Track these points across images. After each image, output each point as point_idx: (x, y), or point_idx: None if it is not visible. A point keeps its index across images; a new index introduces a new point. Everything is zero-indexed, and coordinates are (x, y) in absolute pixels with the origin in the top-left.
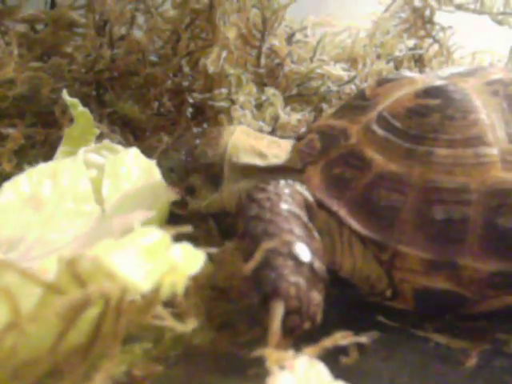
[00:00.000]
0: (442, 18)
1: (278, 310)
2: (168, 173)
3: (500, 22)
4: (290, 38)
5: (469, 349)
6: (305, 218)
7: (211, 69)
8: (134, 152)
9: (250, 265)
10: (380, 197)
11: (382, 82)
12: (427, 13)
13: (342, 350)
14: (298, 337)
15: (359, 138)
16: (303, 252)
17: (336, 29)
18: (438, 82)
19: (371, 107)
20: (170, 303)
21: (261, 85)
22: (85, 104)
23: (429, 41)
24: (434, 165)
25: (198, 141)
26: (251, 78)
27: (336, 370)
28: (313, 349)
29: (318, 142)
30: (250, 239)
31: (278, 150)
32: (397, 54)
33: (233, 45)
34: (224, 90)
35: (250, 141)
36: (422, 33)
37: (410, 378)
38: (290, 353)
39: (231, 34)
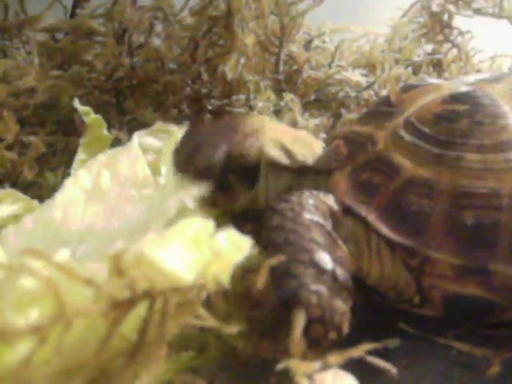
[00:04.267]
0: (460, 22)
1: (300, 319)
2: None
3: None
4: (307, 44)
5: (491, 357)
6: (328, 227)
7: (229, 75)
8: None
9: (270, 274)
10: (409, 202)
11: (407, 88)
12: (445, 17)
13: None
14: (325, 348)
15: (386, 143)
16: (325, 260)
17: (354, 34)
18: (465, 88)
19: (397, 113)
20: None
21: (279, 91)
22: (104, 111)
23: (447, 45)
24: (463, 170)
25: (233, 136)
26: (269, 85)
27: (358, 377)
28: (338, 358)
29: (344, 147)
30: (272, 249)
31: (304, 149)
32: (415, 59)
33: (251, 51)
34: (242, 97)
35: (279, 137)
36: (441, 37)
37: None
38: (318, 364)
39: (249, 40)
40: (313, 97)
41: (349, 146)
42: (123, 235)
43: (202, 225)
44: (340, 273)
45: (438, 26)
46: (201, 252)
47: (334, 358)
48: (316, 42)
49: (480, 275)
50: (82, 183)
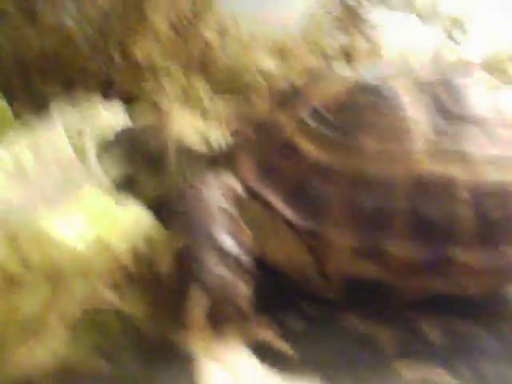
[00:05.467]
0: (374, 16)
1: (201, 301)
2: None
3: (427, 22)
4: (223, 31)
5: (390, 337)
6: (233, 211)
7: (141, 60)
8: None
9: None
10: (312, 186)
11: (315, 77)
12: (359, 11)
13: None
14: (228, 329)
15: (293, 130)
16: (228, 244)
17: (270, 24)
18: (370, 80)
19: (305, 101)
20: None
21: (192, 77)
22: (13, 97)
23: (360, 38)
24: (363, 157)
25: (138, 131)
26: (182, 70)
27: (260, 358)
28: (240, 339)
29: (253, 133)
30: (177, 233)
31: (217, 135)
32: (328, 50)
33: (164, 35)
34: (152, 82)
35: (190, 122)
36: (354, 30)
37: (335, 365)
38: (219, 344)
39: (162, 24)
40: (225, 83)
41: (257, 132)
42: None
43: (100, 198)
44: (243, 257)
45: (351, 19)
46: (97, 224)
47: (236, 338)
48: (231, 29)
49: (377, 257)
50: (2, 164)
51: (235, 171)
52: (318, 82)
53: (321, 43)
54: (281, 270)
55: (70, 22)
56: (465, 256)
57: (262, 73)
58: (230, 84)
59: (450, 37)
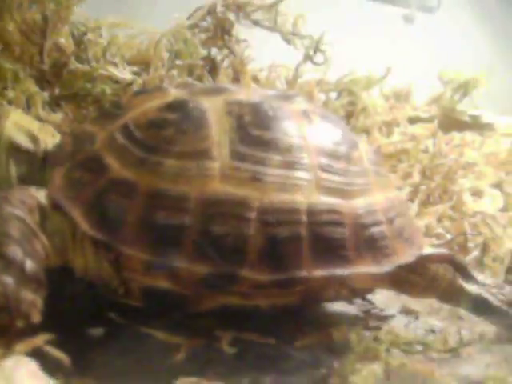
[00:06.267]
0: (242, 32)
1: None
2: None
3: (289, 41)
4: (80, 37)
5: (182, 344)
6: (29, 221)
7: None
8: None
9: None
10: (110, 200)
11: (138, 92)
12: (227, 25)
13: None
14: (14, 336)
15: (103, 143)
16: (14, 252)
17: (134, 31)
18: (181, 98)
19: (121, 116)
20: None
21: (44, 82)
22: None
23: (225, 52)
24: (161, 174)
25: None
26: (34, 75)
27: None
28: (24, 346)
29: (69, 144)
30: None
31: (51, 139)
32: (191, 61)
33: (12, 39)
34: None
35: (24, 123)
36: (220, 43)
37: (137, 371)
38: None
39: (11, 27)
40: (74, 90)
41: (73, 142)
42: None
43: None
44: (30, 265)
45: (219, 32)
46: None
47: (21, 346)
48: (90, 36)
49: (167, 271)
50: None
51: (48, 183)
52: (140, 97)
53: (184, 53)
54: (85, 278)
55: None
56: (251, 272)
57: (117, 81)
58: (80, 90)
59: (309, 57)
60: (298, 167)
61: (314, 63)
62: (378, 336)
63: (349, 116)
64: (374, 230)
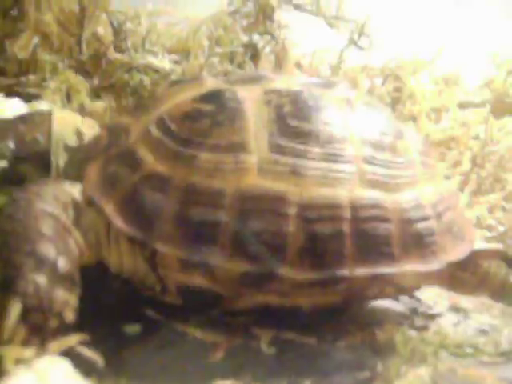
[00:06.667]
0: (284, 16)
1: (16, 308)
2: None
3: (331, 25)
4: (120, 26)
5: (219, 343)
6: (63, 218)
7: (21, 54)
8: None
9: None
10: (144, 196)
11: (173, 83)
12: (269, 11)
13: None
14: (48, 335)
15: (137, 136)
16: (46, 251)
17: (174, 19)
18: (217, 88)
19: (155, 108)
20: None
21: (83, 72)
22: None
23: (267, 37)
24: (196, 168)
25: (23, 127)
26: (73, 65)
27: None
28: (58, 346)
29: (105, 137)
30: (0, 238)
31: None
32: (233, 48)
33: (49, 30)
34: (34, 76)
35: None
36: (262, 29)
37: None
38: (32, 351)
39: (48, 19)
40: (113, 80)
41: (109, 136)
42: None
43: None
44: (62, 263)
45: (260, 18)
46: None
47: (55, 345)
48: (129, 25)
49: (203, 268)
50: None
51: (84, 177)
52: (175, 88)
53: (226, 41)
54: (121, 275)
55: None
56: (289, 271)
57: (156, 70)
58: (119, 80)
59: (353, 41)
60: (340, 159)
61: (359, 47)
62: (426, 337)
63: (395, 102)
64: (421, 225)
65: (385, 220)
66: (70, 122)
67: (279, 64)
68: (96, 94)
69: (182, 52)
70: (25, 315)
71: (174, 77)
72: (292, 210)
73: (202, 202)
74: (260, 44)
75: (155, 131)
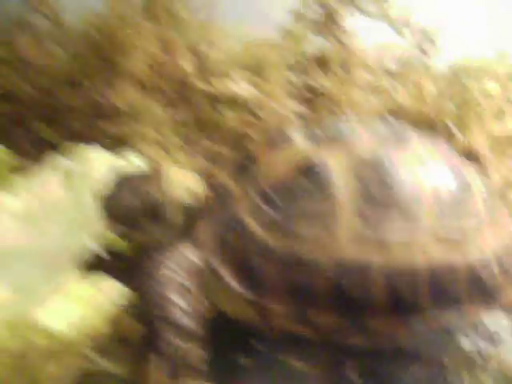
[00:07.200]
0: (348, 20)
1: (156, 366)
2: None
3: (397, 30)
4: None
5: (318, 374)
6: (186, 283)
7: (120, 104)
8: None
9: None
10: (255, 264)
11: (269, 143)
12: (335, 16)
13: None
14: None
15: (245, 208)
16: (181, 320)
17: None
18: (312, 161)
19: (256, 174)
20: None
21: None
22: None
23: (335, 43)
24: (297, 240)
25: (143, 184)
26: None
27: None
28: None
29: (212, 199)
30: (143, 305)
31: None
32: (301, 58)
33: (140, 76)
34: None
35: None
36: (329, 35)
37: None
38: None
39: (136, 67)
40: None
41: (215, 198)
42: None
43: (79, 283)
44: (194, 326)
45: (328, 23)
46: (81, 308)
47: None
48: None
49: (305, 323)
50: (9, 207)
51: (195, 240)
52: (270, 152)
53: (296, 50)
54: (231, 318)
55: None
56: (376, 323)
57: (237, 97)
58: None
59: (420, 48)
60: (417, 223)
61: (424, 52)
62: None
63: (460, 106)
64: (488, 282)
65: (457, 280)
66: (177, 177)
67: (347, 70)
68: (184, 125)
69: (256, 69)
70: (169, 372)
71: (251, 104)
72: (378, 278)
73: (302, 269)
74: (327, 51)
75: (263, 205)
